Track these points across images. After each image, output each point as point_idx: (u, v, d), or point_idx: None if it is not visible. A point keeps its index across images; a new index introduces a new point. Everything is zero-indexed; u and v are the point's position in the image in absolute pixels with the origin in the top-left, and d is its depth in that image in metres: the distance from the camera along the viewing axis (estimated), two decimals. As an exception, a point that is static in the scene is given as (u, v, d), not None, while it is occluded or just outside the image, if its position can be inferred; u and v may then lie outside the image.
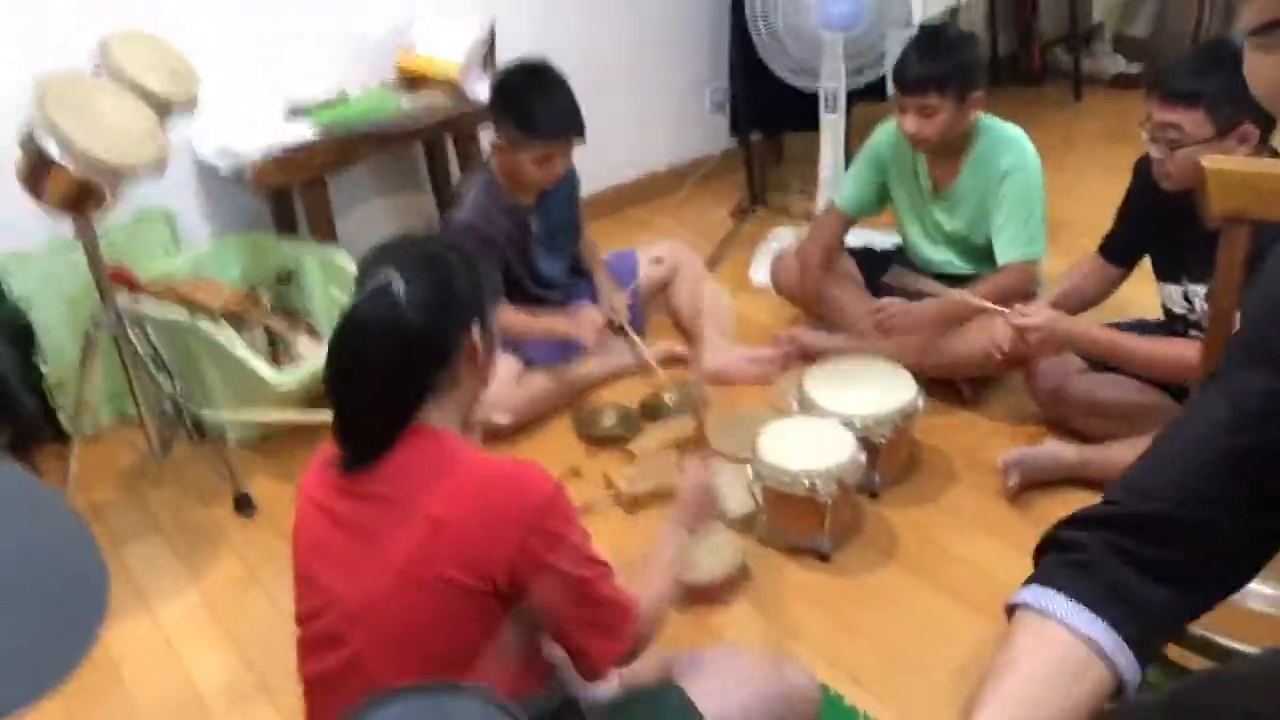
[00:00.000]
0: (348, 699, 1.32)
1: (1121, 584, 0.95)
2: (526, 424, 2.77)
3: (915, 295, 2.67)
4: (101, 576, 0.95)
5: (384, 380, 1.35)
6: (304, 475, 1.47)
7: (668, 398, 2.85)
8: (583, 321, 2.82)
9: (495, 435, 2.65)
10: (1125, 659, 0.94)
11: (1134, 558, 0.96)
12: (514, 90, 2.66)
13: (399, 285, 1.34)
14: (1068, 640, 0.94)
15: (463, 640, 1.34)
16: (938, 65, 2.55)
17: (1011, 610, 1.00)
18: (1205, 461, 0.96)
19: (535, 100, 2.63)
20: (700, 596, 2.18)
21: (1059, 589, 0.97)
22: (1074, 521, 1.03)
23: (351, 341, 1.37)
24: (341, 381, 1.38)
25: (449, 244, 1.50)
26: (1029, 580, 1.01)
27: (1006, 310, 2.38)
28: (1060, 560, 1.00)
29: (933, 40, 2.62)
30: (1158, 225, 2.31)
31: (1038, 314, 2.32)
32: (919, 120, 2.60)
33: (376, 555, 1.34)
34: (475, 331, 1.40)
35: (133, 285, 2.77)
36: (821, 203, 3.31)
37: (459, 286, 1.40)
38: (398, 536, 1.33)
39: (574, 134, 2.67)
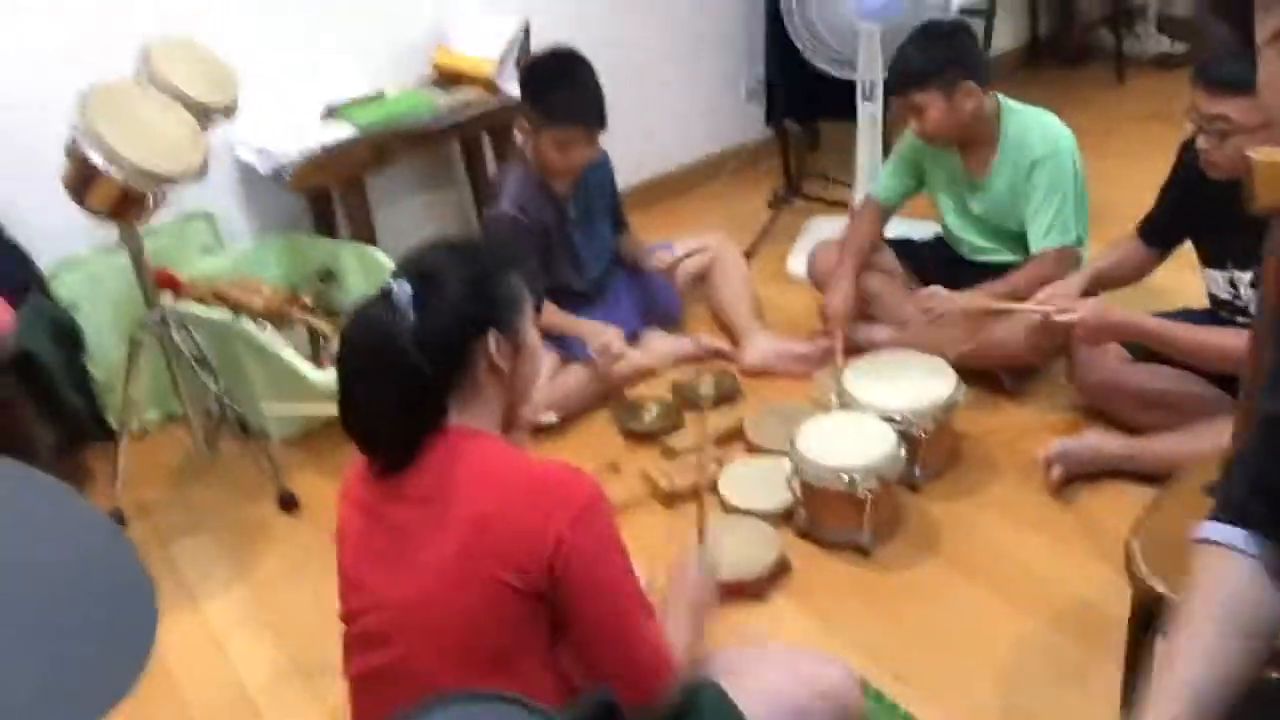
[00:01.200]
0: (393, 699, 1.34)
1: None
2: (563, 419, 2.78)
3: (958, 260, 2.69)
4: (149, 594, 0.96)
5: (385, 388, 1.35)
6: (346, 475, 1.49)
7: (703, 390, 2.84)
8: (607, 338, 2.78)
9: (537, 431, 2.66)
10: None
11: None
12: (537, 75, 2.70)
13: (404, 292, 1.34)
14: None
15: (509, 641, 1.34)
16: (915, 63, 2.55)
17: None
18: None
19: (556, 86, 2.66)
20: (739, 591, 2.18)
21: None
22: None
23: (350, 349, 1.38)
24: (345, 389, 1.40)
25: (485, 251, 1.48)
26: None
27: (1049, 308, 2.35)
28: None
29: (922, 36, 2.61)
30: (1202, 211, 2.27)
31: (1082, 306, 2.29)
32: (914, 118, 2.61)
33: (420, 556, 1.35)
34: (493, 341, 1.39)
35: (177, 287, 2.82)
36: (859, 192, 3.29)
37: (474, 296, 1.38)
38: (440, 537, 1.33)
39: (592, 122, 2.68)
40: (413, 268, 1.40)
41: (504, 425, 1.48)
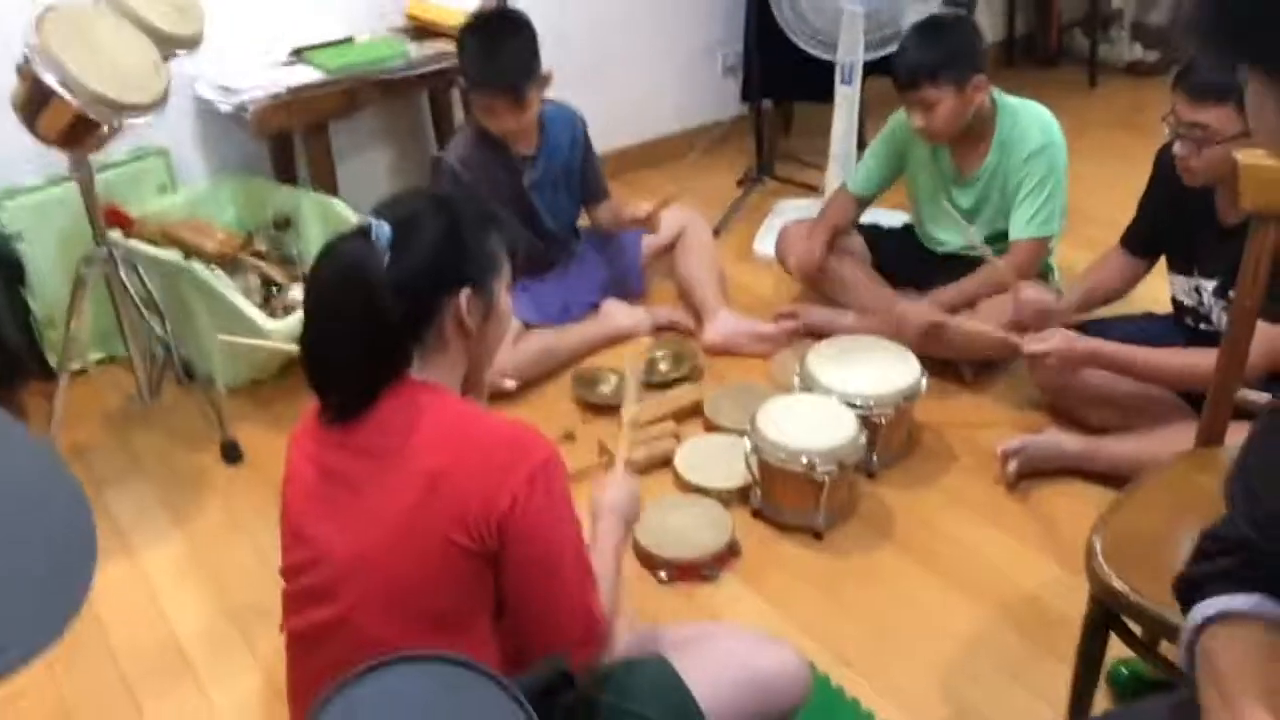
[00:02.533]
0: (333, 657, 1.29)
1: None
2: (522, 386, 2.73)
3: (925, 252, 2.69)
4: (88, 522, 0.91)
5: (349, 327, 1.31)
6: (296, 426, 1.43)
7: (663, 365, 2.81)
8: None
9: (495, 397, 2.60)
10: None
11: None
12: (464, 37, 2.68)
13: (382, 232, 1.30)
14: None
15: (455, 601, 1.30)
16: (927, 56, 2.52)
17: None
18: None
19: (475, 50, 2.64)
20: (688, 572, 2.15)
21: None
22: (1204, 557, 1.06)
23: (319, 282, 1.34)
24: (310, 323, 1.35)
25: (467, 207, 1.43)
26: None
27: (1019, 340, 2.33)
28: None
29: (926, 31, 2.59)
30: (1177, 217, 2.27)
31: (1050, 338, 2.28)
32: (923, 114, 2.56)
33: (369, 509, 1.31)
34: (464, 298, 1.35)
35: (127, 225, 2.73)
36: (831, 175, 3.26)
37: (451, 248, 1.35)
38: (392, 491, 1.29)
39: (501, 89, 2.61)
40: (392, 212, 1.35)
41: (464, 386, 1.44)
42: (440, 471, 1.27)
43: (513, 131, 2.69)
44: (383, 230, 1.30)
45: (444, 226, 1.35)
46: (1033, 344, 2.30)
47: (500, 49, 2.62)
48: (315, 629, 1.36)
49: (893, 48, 3.08)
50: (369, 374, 1.32)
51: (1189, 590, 1.06)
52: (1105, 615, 1.56)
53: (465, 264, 1.36)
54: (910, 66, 2.53)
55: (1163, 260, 2.41)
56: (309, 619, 1.37)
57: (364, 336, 1.30)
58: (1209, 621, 1.01)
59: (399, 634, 1.29)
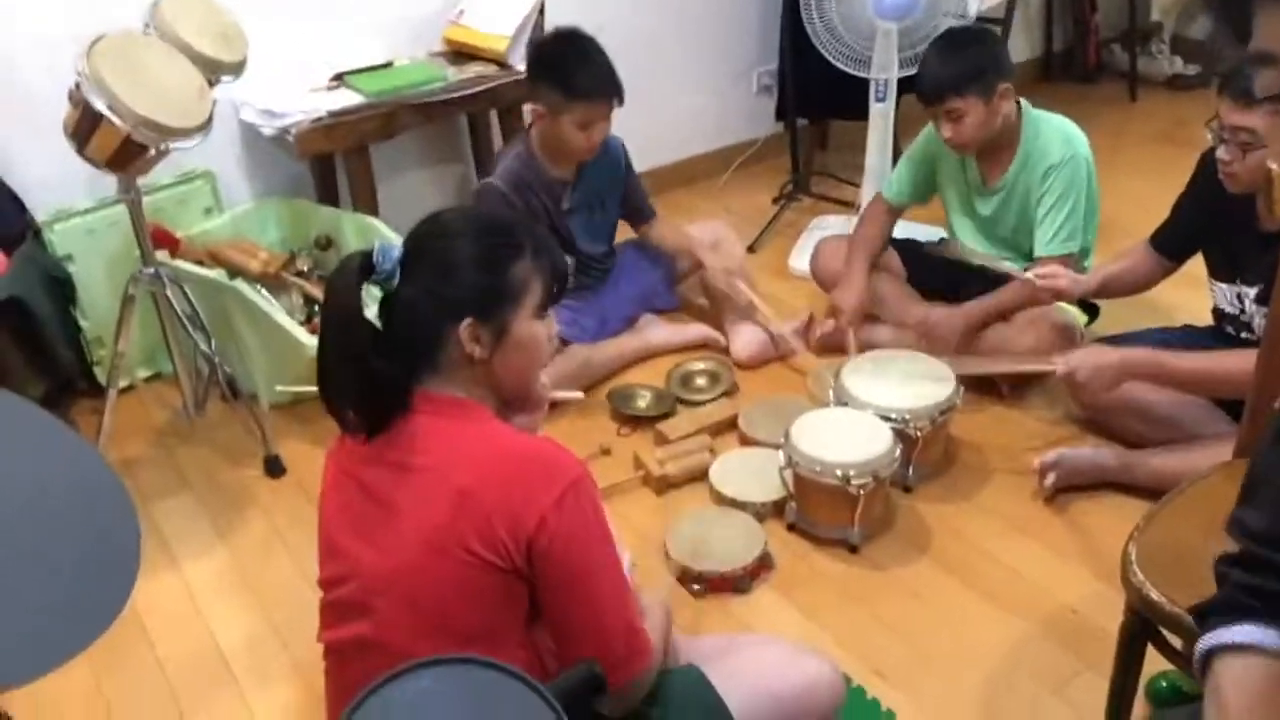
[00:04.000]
0: (367, 668, 1.30)
1: None
2: (556, 403, 2.75)
3: (957, 265, 2.67)
4: (134, 536, 0.94)
5: (347, 352, 1.32)
6: (334, 440, 1.46)
7: (699, 380, 2.83)
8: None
9: (554, 408, 2.61)
10: None
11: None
12: (553, 55, 2.68)
13: (388, 259, 1.32)
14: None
15: (486, 617, 1.31)
16: (951, 68, 2.52)
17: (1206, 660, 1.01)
18: None
19: (575, 63, 2.64)
20: (722, 584, 2.16)
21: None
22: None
23: (325, 307, 1.36)
24: (319, 348, 1.37)
25: (497, 233, 1.40)
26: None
27: (1052, 368, 2.33)
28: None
29: (950, 44, 2.59)
30: (1217, 223, 2.26)
31: (1072, 359, 2.27)
32: (950, 126, 2.57)
33: (402, 524, 1.32)
34: (465, 330, 1.33)
35: (173, 245, 2.79)
36: (867, 192, 3.27)
37: (454, 281, 1.34)
38: (424, 506, 1.30)
39: (614, 96, 2.67)
40: (419, 230, 1.38)
41: (511, 404, 1.45)
42: (469, 489, 1.28)
43: (592, 149, 2.73)
44: (389, 255, 1.32)
45: (455, 256, 1.35)
46: (1062, 366, 2.29)
47: (601, 59, 2.66)
48: (349, 643, 1.38)
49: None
50: (368, 399, 1.34)
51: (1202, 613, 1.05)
52: (1142, 627, 1.55)
53: (468, 296, 1.34)
54: (934, 81, 2.55)
55: (1199, 274, 2.38)
56: (344, 632, 1.39)
57: (359, 361, 1.31)
58: (1221, 649, 0.99)
59: (429, 649, 1.30)
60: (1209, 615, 1.02)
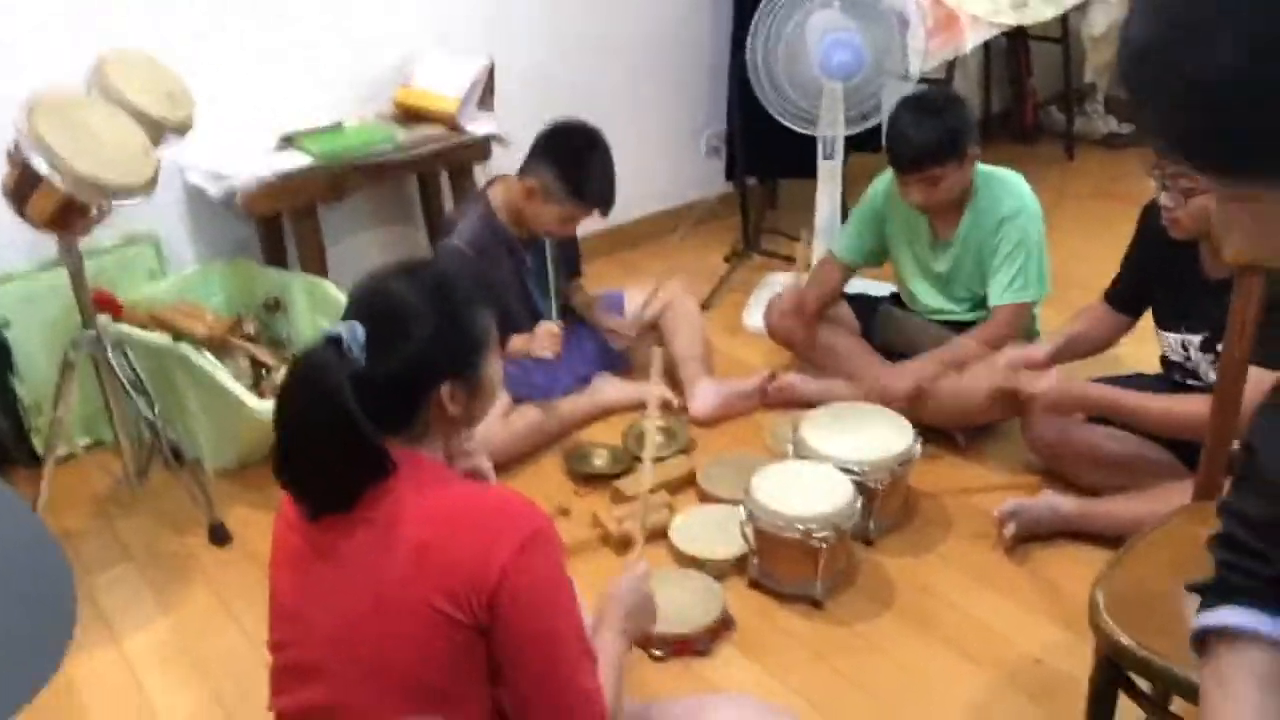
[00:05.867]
0: None
1: None
2: (512, 461, 2.71)
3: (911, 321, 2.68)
4: (69, 594, 0.89)
5: (322, 442, 1.26)
6: (284, 498, 1.41)
7: (657, 438, 2.80)
8: (538, 336, 2.75)
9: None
10: None
11: None
12: (573, 151, 2.70)
13: (354, 338, 1.26)
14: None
15: (446, 675, 1.26)
16: (933, 136, 2.52)
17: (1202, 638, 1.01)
18: None
19: (592, 169, 2.70)
20: (682, 647, 2.11)
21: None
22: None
23: (289, 396, 1.29)
24: (282, 438, 1.29)
25: (453, 285, 1.37)
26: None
27: (1018, 380, 2.35)
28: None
29: (922, 112, 2.56)
30: (1163, 271, 2.29)
31: (1045, 378, 2.29)
32: (925, 189, 2.58)
33: (357, 580, 1.27)
34: (446, 391, 1.31)
35: (115, 309, 2.72)
36: (818, 249, 3.29)
37: (434, 344, 1.30)
38: (380, 561, 1.26)
39: (608, 208, 2.75)
40: (372, 306, 1.32)
41: (446, 453, 1.41)
42: (428, 544, 1.24)
43: (562, 235, 2.81)
44: (356, 334, 1.26)
45: (427, 321, 1.31)
46: (1028, 382, 2.30)
47: (611, 170, 2.74)
48: (303, 708, 1.33)
49: (873, 121, 3.16)
50: (345, 482, 1.27)
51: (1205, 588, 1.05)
52: (1113, 673, 1.53)
53: (449, 357, 1.32)
54: (914, 150, 2.53)
55: (1145, 324, 2.42)
56: (296, 697, 1.33)
57: (337, 449, 1.25)
58: (1219, 632, 1.00)
59: (386, 710, 1.25)
60: (1205, 592, 1.03)
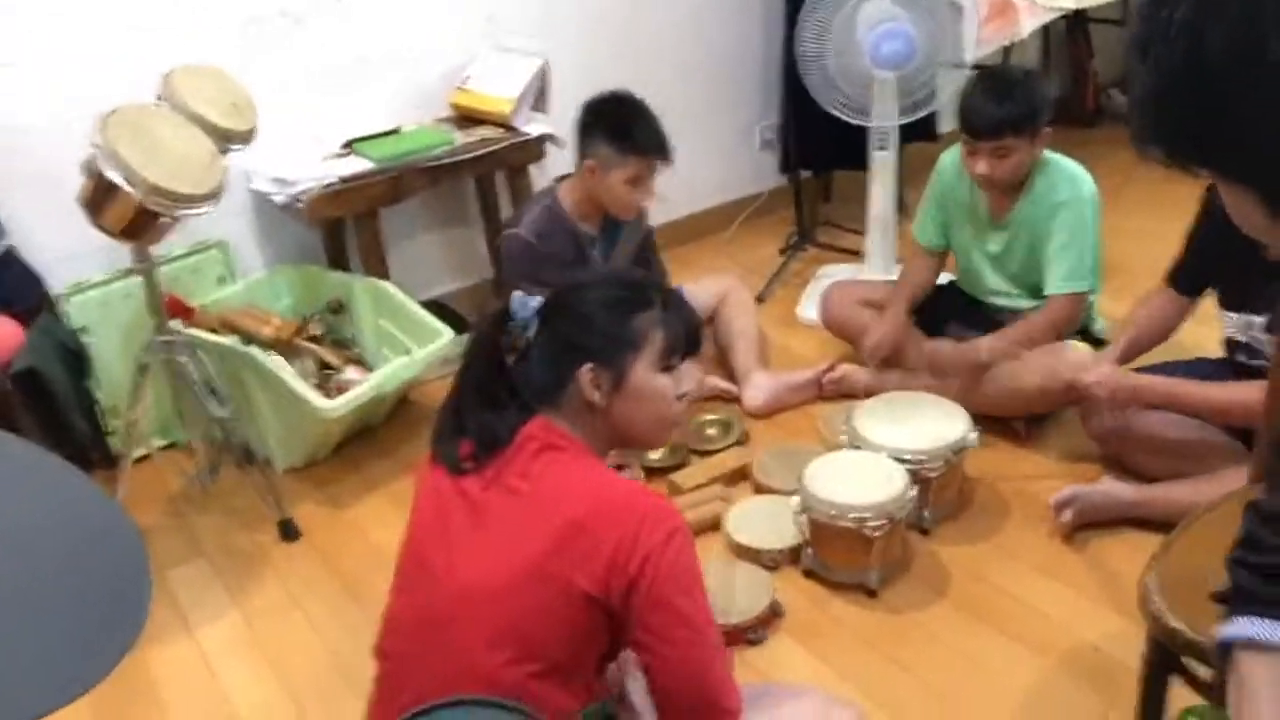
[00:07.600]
0: (431, 678, 1.33)
1: None
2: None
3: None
4: (144, 585, 0.94)
5: (486, 376, 1.47)
6: (428, 467, 1.50)
7: (711, 431, 2.83)
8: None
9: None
10: None
11: None
12: (608, 111, 2.72)
13: (526, 307, 1.47)
14: None
15: (563, 649, 1.34)
16: (1012, 107, 2.50)
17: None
18: None
19: (632, 120, 2.70)
20: (733, 638, 2.12)
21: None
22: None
23: (469, 344, 1.54)
24: (455, 384, 1.50)
25: (628, 286, 1.53)
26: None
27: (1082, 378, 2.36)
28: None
29: (1001, 82, 2.56)
30: (1225, 253, 2.25)
31: (1099, 371, 2.28)
32: (993, 162, 2.56)
33: (496, 545, 1.36)
34: (585, 373, 1.43)
35: (187, 314, 2.82)
36: (872, 239, 3.29)
37: (583, 324, 1.46)
38: (529, 532, 1.34)
39: (667, 154, 2.71)
40: (558, 292, 1.51)
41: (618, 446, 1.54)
42: (579, 522, 1.32)
43: (637, 207, 2.81)
44: (526, 305, 1.47)
45: (587, 304, 1.47)
46: (1083, 373, 2.29)
47: (653, 117, 2.73)
48: (413, 653, 1.40)
49: (926, 110, 3.14)
50: (490, 420, 1.44)
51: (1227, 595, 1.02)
52: (1165, 658, 1.52)
53: (586, 340, 1.45)
54: (993, 118, 2.51)
55: (1207, 308, 2.38)
56: (411, 642, 1.41)
57: (488, 387, 1.47)
58: (1242, 643, 0.96)
59: (501, 667, 1.31)
60: (1226, 601, 1.01)
